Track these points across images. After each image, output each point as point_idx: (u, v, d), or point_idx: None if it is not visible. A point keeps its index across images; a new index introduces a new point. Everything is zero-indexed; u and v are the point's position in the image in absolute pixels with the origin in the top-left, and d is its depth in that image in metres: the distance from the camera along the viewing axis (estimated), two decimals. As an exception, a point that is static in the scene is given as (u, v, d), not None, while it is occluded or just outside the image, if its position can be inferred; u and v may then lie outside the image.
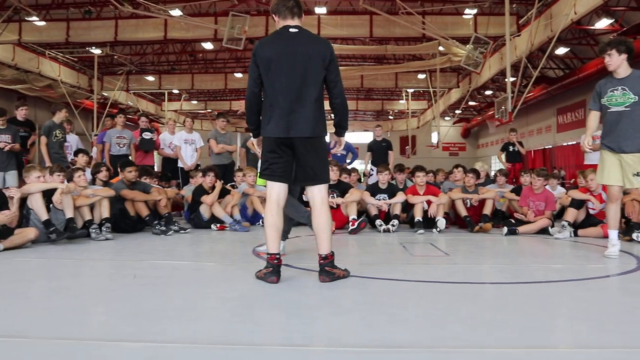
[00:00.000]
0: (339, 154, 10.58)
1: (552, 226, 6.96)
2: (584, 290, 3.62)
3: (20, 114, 8.76)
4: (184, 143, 9.53)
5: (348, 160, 10.81)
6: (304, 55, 3.59)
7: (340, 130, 3.91)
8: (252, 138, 3.99)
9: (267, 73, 3.60)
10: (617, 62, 4.88)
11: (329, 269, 3.66)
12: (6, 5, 18.81)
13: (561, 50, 20.68)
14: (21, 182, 7.57)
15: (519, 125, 27.88)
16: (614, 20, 17.41)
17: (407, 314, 2.90)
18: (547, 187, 7.76)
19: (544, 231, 6.87)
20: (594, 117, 5.13)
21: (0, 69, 21.57)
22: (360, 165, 16.66)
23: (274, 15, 3.78)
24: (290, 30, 3.67)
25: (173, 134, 10.34)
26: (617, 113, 4.88)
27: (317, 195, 3.72)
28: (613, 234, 4.97)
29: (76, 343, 2.33)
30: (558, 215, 7.76)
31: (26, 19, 19.42)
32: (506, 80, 15.88)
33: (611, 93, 4.92)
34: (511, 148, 11.83)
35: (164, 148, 10.08)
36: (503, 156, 11.98)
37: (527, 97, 21.41)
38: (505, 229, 6.84)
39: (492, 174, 23.64)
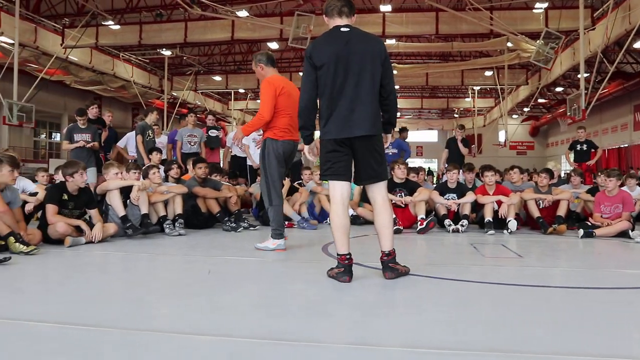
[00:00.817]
0: (390, 153, 10.46)
1: (633, 229, 6.61)
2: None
3: (92, 112, 9.18)
4: (252, 142, 9.68)
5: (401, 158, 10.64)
6: (360, 54, 3.58)
7: (390, 127, 3.86)
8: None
9: (324, 74, 3.59)
10: None
11: (392, 265, 3.66)
12: (84, 11, 19.78)
13: (640, 44, 19.61)
14: (100, 178, 8.00)
15: (592, 123, 26.72)
16: (699, 10, 16.34)
17: (483, 316, 2.83)
18: (625, 188, 7.38)
19: (623, 234, 6.54)
20: None
21: (79, 71, 22.73)
22: (425, 164, 16.44)
23: (324, 17, 3.80)
24: (342, 30, 3.67)
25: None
26: None
27: (378, 193, 3.73)
28: None
29: (160, 335, 2.41)
30: (638, 218, 7.37)
31: (102, 23, 20.37)
32: (579, 76, 15.23)
33: None
34: (579, 147, 11.33)
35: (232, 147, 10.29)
36: (571, 155, 11.50)
37: (602, 94, 20.42)
38: (582, 231, 6.54)
39: (563, 173, 22.85)
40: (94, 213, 5.54)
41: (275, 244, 4.92)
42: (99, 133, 9.07)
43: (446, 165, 10.89)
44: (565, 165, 34.08)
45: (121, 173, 6.23)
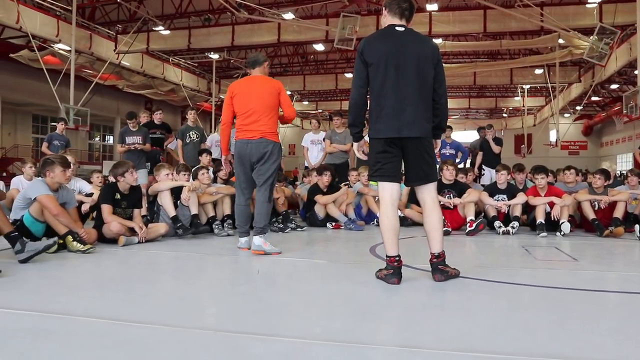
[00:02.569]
0: (447, 154, 10.30)
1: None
2: None
3: (157, 117, 9.56)
4: (310, 144, 9.72)
5: (458, 160, 10.50)
6: (414, 54, 3.54)
7: (440, 132, 3.78)
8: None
9: (375, 72, 3.55)
10: None
11: (442, 268, 3.62)
12: (136, 18, 20.40)
13: (702, 37, 18.71)
14: (152, 178, 8.23)
15: (650, 122, 25.65)
16: None
17: (539, 321, 2.74)
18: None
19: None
20: None
21: (131, 76, 23.43)
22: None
23: (384, 9, 3.73)
24: (397, 29, 3.62)
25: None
26: None
27: (427, 195, 3.69)
28: None
29: (210, 334, 2.45)
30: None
31: (153, 29, 20.95)
32: (636, 72, 14.64)
33: None
34: None
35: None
36: (638, 154, 11.03)
37: (661, 90, 19.60)
38: None
39: (618, 173, 22.01)
40: (136, 212, 5.67)
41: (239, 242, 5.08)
42: (162, 137, 9.35)
43: (484, 167, 10.67)
44: (622, 165, 32.87)
45: (172, 174, 6.37)
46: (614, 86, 28.05)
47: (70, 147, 10.34)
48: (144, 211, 6.05)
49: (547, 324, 2.69)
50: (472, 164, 11.04)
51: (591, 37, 16.76)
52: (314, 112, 37.50)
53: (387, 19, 3.71)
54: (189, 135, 9.01)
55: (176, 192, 6.10)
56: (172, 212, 5.90)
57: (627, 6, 16.47)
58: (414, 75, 3.53)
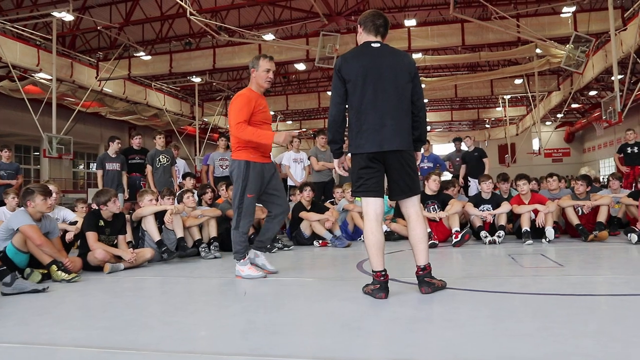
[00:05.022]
0: (425, 167, 10.39)
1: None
2: None
3: (135, 142, 9.43)
4: (292, 162, 9.73)
5: (436, 171, 10.53)
6: (391, 69, 3.59)
7: (420, 144, 3.82)
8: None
9: (353, 88, 3.58)
10: None
11: (428, 280, 3.63)
12: (117, 44, 20.44)
13: (675, 41, 19.11)
14: (130, 205, 8.23)
15: (629, 125, 25.65)
16: None
17: (526, 328, 2.76)
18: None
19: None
20: None
21: (113, 102, 23.40)
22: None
23: (360, 26, 3.78)
24: (373, 45, 3.68)
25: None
26: None
27: (411, 208, 3.71)
28: None
29: (200, 357, 2.43)
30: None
31: (134, 55, 20.99)
32: (613, 78, 14.90)
33: None
34: (629, 149, 10.98)
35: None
36: (617, 158, 11.18)
37: (638, 95, 19.91)
38: (635, 236, 6.33)
39: (602, 178, 22.28)
40: (121, 239, 5.64)
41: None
42: (142, 163, 9.28)
43: (469, 179, 10.75)
44: (604, 170, 33.26)
45: (156, 199, 6.35)
46: (592, 93, 28.48)
47: (21, 174, 10.02)
48: (128, 237, 5.99)
49: (534, 330, 2.71)
50: (457, 176, 11.11)
51: (567, 46, 17.05)
52: (298, 130, 37.62)
53: (363, 36, 3.76)
54: (159, 159, 8.96)
55: (160, 217, 6.08)
56: (156, 237, 5.87)
57: (600, 14, 16.83)
58: (392, 90, 3.57)
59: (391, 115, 3.54)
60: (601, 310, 3.22)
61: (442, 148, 31.58)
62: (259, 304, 3.69)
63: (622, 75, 16.49)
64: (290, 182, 9.73)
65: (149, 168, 8.93)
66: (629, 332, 2.61)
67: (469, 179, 10.78)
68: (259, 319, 3.21)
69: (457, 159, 11.38)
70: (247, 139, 4.48)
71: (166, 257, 5.82)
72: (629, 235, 6.45)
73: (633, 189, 8.16)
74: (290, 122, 36.36)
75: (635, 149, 10.90)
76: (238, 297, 3.96)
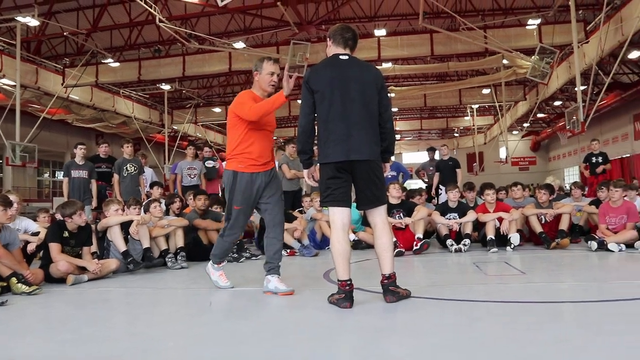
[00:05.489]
0: (389, 176, 10.46)
1: (639, 239, 6.57)
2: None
3: (102, 150, 9.29)
4: None
5: (400, 180, 10.64)
6: (358, 81, 3.66)
7: (387, 155, 3.86)
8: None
9: (321, 99, 3.65)
10: None
11: (393, 289, 3.67)
12: (84, 50, 20.12)
13: (635, 54, 19.69)
14: (102, 215, 8.05)
15: (592, 135, 26.50)
16: (690, 18, 16.46)
17: (486, 336, 2.81)
18: (625, 198, 7.35)
19: (628, 245, 6.49)
20: None
21: (80, 109, 22.99)
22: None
23: (329, 39, 3.85)
24: (341, 57, 3.75)
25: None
26: None
27: (378, 217, 3.76)
28: None
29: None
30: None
31: (102, 61, 20.69)
32: (576, 89, 15.31)
33: None
34: (594, 159, 11.29)
35: None
36: (583, 167, 11.48)
37: (600, 105, 20.47)
38: (595, 243, 6.49)
39: (566, 187, 22.80)
40: (85, 250, 5.54)
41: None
42: (109, 171, 9.14)
43: (440, 187, 10.87)
44: (568, 178, 34.01)
45: (122, 209, 6.26)
46: (557, 103, 29.16)
47: None
48: (93, 247, 5.89)
49: (496, 338, 2.76)
50: (430, 185, 11.24)
51: (533, 57, 17.44)
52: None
53: (332, 48, 3.83)
54: (126, 168, 8.83)
55: (126, 227, 5.99)
56: (122, 248, 5.78)
57: (564, 27, 17.26)
58: (359, 101, 3.63)
59: (358, 126, 3.60)
60: (562, 317, 3.29)
61: (412, 157, 31.92)
62: (225, 314, 3.68)
63: (585, 87, 16.96)
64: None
65: (115, 177, 8.80)
66: (588, 339, 2.68)
67: (440, 187, 10.90)
68: (224, 329, 3.19)
69: (431, 168, 11.51)
70: (264, 115, 4.14)
71: (132, 268, 5.73)
72: (589, 242, 6.63)
73: (595, 198, 8.35)
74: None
75: (600, 159, 11.21)
76: (204, 308, 3.93)
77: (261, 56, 5.27)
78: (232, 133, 4.33)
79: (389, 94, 3.81)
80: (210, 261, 4.59)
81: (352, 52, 3.81)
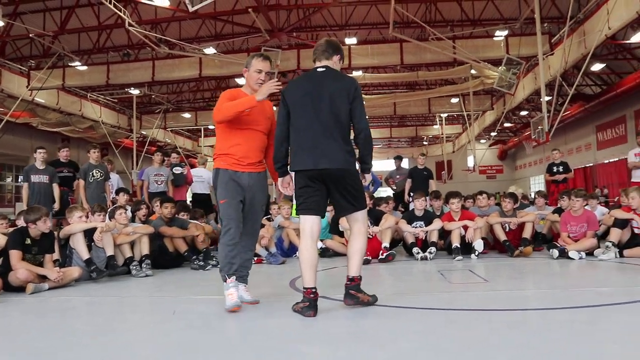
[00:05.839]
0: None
1: (598, 247, 6.75)
2: (634, 314, 3.50)
3: (62, 155, 9.09)
4: None
5: (371, 188, 10.73)
6: (328, 91, 3.72)
7: (364, 165, 3.91)
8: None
9: (294, 111, 3.77)
10: None
11: (353, 293, 3.73)
12: (51, 53, 19.73)
13: (597, 67, 20.32)
14: (65, 221, 7.89)
15: (557, 145, 27.24)
16: (650, 33, 17.03)
17: (448, 344, 2.85)
18: (586, 207, 7.55)
19: (588, 253, 6.67)
20: None
21: (45, 113, 22.50)
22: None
23: (313, 56, 3.98)
24: (318, 70, 3.86)
25: None
26: None
27: (353, 222, 3.85)
28: None
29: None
30: (602, 237, 7.53)
31: (69, 64, 20.30)
32: (541, 99, 15.67)
33: None
34: (555, 168, 11.55)
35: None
36: (547, 176, 11.72)
37: (564, 116, 20.96)
38: (556, 251, 6.64)
39: (531, 195, 23.26)
40: (47, 257, 5.41)
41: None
42: (70, 176, 8.96)
43: (411, 194, 10.98)
44: (534, 187, 34.69)
45: (86, 216, 6.16)
46: (523, 113, 29.79)
47: None
48: (55, 255, 5.76)
49: (456, 346, 2.80)
50: (398, 193, 11.34)
51: (500, 68, 17.82)
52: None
53: (315, 63, 3.95)
54: (92, 174, 8.66)
55: (90, 234, 5.89)
56: (85, 255, 5.67)
57: (530, 39, 17.64)
58: (328, 111, 3.69)
59: (327, 135, 3.66)
60: (520, 325, 3.35)
61: (382, 164, 32.14)
62: (188, 323, 3.63)
63: (550, 97, 17.35)
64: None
65: (81, 182, 8.62)
66: (546, 346, 2.74)
67: (411, 194, 10.98)
68: (185, 339, 3.16)
69: (398, 176, 11.62)
70: (227, 116, 3.95)
71: (95, 276, 5.64)
72: (550, 250, 6.79)
73: (557, 206, 8.56)
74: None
75: (561, 168, 11.47)
76: (167, 317, 3.89)
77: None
78: (217, 132, 4.21)
79: (362, 105, 3.83)
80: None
81: (331, 59, 3.89)
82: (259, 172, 4.14)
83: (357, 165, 3.83)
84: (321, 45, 3.94)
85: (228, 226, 3.96)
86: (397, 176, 11.67)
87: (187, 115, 29.21)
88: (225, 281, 3.93)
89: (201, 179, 10.37)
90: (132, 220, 7.33)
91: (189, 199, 10.79)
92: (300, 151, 3.71)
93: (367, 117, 3.89)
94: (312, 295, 3.59)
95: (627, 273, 5.54)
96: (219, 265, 4.11)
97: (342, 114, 3.71)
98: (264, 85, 3.93)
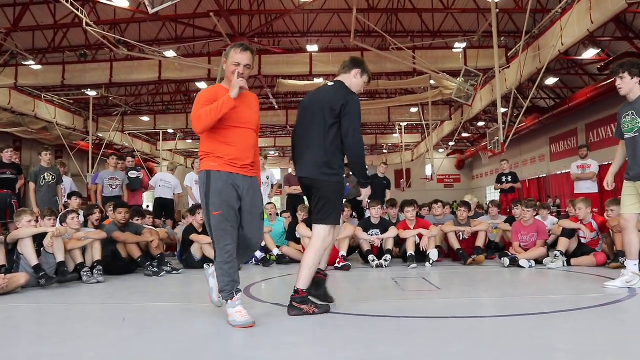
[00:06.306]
0: None
1: (547, 255, 6.96)
2: (580, 320, 3.63)
3: (5, 156, 8.63)
4: (194, 184, 9.65)
5: None
6: (319, 104, 3.92)
7: (359, 180, 4.08)
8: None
9: (296, 122, 4.14)
10: (629, 86, 4.65)
11: (295, 305, 3.79)
12: (3, 50, 19.10)
13: (551, 81, 21.01)
14: (12, 225, 7.63)
15: (512, 156, 28.10)
16: (600, 50, 17.72)
17: (398, 351, 2.88)
18: (537, 217, 7.77)
19: (537, 262, 6.87)
20: (619, 147, 4.93)
21: (-4, 112, 21.75)
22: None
23: None
24: (328, 84, 4.11)
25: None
26: (631, 139, 4.64)
27: (313, 232, 3.99)
28: (631, 264, 4.69)
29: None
30: (552, 246, 7.76)
31: (23, 63, 19.69)
32: (497, 111, 16.09)
33: (624, 119, 4.71)
34: (504, 179, 11.87)
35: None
36: (496, 186, 12.05)
37: (519, 128, 21.61)
38: (507, 260, 6.83)
39: (486, 205, 23.77)
40: None
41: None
42: (13, 178, 8.65)
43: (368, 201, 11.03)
44: (490, 196, 35.47)
45: (36, 221, 5.98)
46: (480, 124, 30.50)
47: None
48: (2, 261, 5.57)
49: (402, 353, 2.84)
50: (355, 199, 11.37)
51: (458, 79, 18.20)
52: (197, 150, 36.82)
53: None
54: (44, 177, 8.43)
55: (39, 239, 5.71)
56: (34, 261, 5.48)
57: (487, 52, 18.11)
58: (317, 124, 3.89)
59: (310, 146, 3.92)
60: (468, 332, 3.41)
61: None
62: (137, 331, 3.57)
63: (506, 109, 17.82)
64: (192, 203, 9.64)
65: (32, 186, 8.38)
66: (492, 353, 2.80)
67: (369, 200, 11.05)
68: (135, 347, 3.10)
69: (353, 184, 11.66)
70: (207, 124, 3.56)
71: (44, 282, 5.44)
72: (502, 259, 6.97)
73: (508, 216, 8.79)
74: (190, 140, 35.62)
75: (510, 178, 11.81)
76: (117, 324, 3.81)
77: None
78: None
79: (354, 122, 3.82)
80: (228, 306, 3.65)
81: (349, 72, 4.09)
82: (252, 177, 3.77)
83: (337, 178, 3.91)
84: (346, 61, 4.18)
85: (224, 243, 3.59)
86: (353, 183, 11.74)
87: (145, 118, 28.70)
88: (230, 299, 3.59)
89: (168, 184, 10.38)
90: (85, 225, 7.15)
91: (147, 203, 10.68)
92: (293, 159, 4.14)
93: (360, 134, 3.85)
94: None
95: (573, 281, 5.73)
96: (218, 286, 3.71)
97: (325, 125, 3.85)
98: (233, 80, 3.63)
